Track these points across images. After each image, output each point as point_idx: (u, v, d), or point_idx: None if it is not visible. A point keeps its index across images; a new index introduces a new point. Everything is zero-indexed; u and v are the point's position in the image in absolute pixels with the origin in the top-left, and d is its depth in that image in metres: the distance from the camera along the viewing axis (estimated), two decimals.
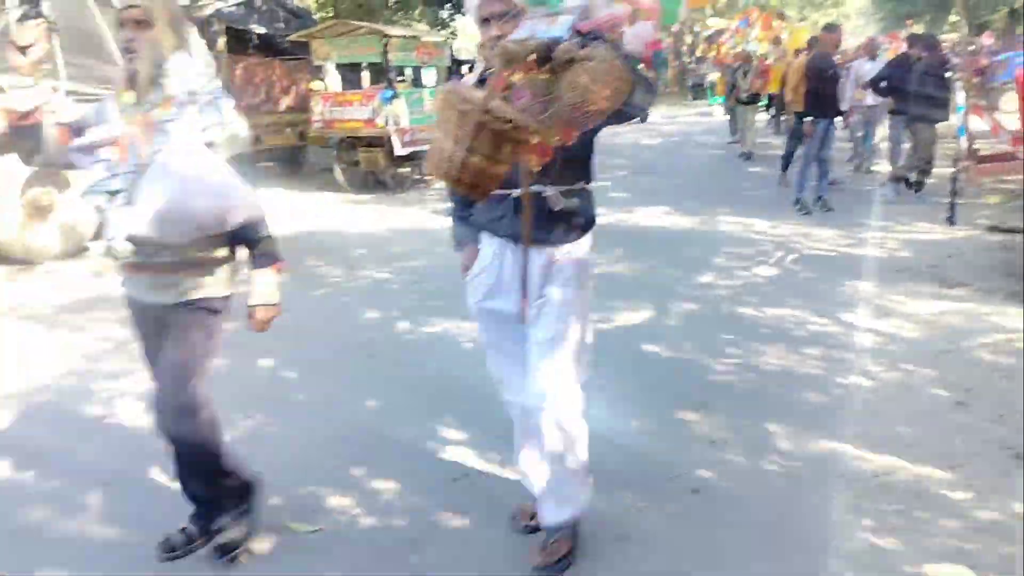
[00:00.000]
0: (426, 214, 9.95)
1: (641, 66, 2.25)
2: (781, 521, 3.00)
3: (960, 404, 3.93)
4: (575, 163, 2.55)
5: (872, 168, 11.62)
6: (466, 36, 20.09)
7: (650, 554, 2.82)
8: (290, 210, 10.25)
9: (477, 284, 2.74)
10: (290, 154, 13.20)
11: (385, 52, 10.87)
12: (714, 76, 20.98)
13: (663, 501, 3.15)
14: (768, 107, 16.46)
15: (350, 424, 3.92)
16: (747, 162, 13.42)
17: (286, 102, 12.73)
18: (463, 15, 18.44)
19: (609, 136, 18.51)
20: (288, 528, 3.01)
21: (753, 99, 13.74)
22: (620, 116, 2.22)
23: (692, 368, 4.55)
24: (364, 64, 12.34)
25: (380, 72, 11.90)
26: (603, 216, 8.74)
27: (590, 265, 2.73)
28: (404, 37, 11.58)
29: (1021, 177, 5.71)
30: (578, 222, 2.63)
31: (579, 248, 2.67)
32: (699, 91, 29.35)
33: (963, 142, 5.68)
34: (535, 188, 2.49)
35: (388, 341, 5.15)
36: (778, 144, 13.21)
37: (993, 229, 6.59)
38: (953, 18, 33.79)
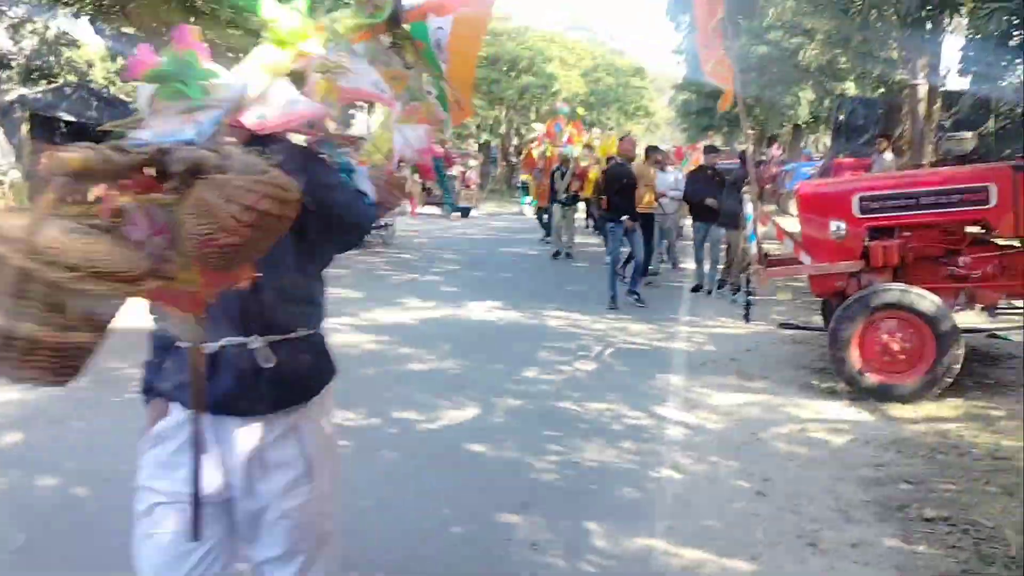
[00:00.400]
0: None
1: (417, 175, 2.10)
2: None
3: (759, 494, 4.20)
4: (294, 303, 1.97)
5: (680, 265, 12.51)
6: None
7: None
8: None
9: (150, 456, 1.95)
10: None
11: None
12: (525, 177, 21.17)
13: None
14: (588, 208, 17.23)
15: None
16: (568, 259, 14.03)
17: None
18: None
19: (441, 230, 18.82)
20: None
21: (572, 200, 14.11)
22: (342, 243, 1.90)
23: (515, 467, 4.60)
24: None
25: None
26: (433, 310, 8.86)
27: (332, 437, 2.17)
28: None
29: (806, 278, 6.31)
30: (304, 382, 2.02)
31: (307, 418, 2.02)
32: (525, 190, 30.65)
33: (753, 247, 6.25)
34: (233, 340, 1.86)
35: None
36: (596, 243, 14.02)
37: (784, 326, 7.22)
38: (750, 131, 37.60)
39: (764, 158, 33.77)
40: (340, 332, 8.13)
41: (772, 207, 20.11)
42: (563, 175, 13.82)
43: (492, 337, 8.07)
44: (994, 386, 5.84)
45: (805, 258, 6.06)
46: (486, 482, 4.40)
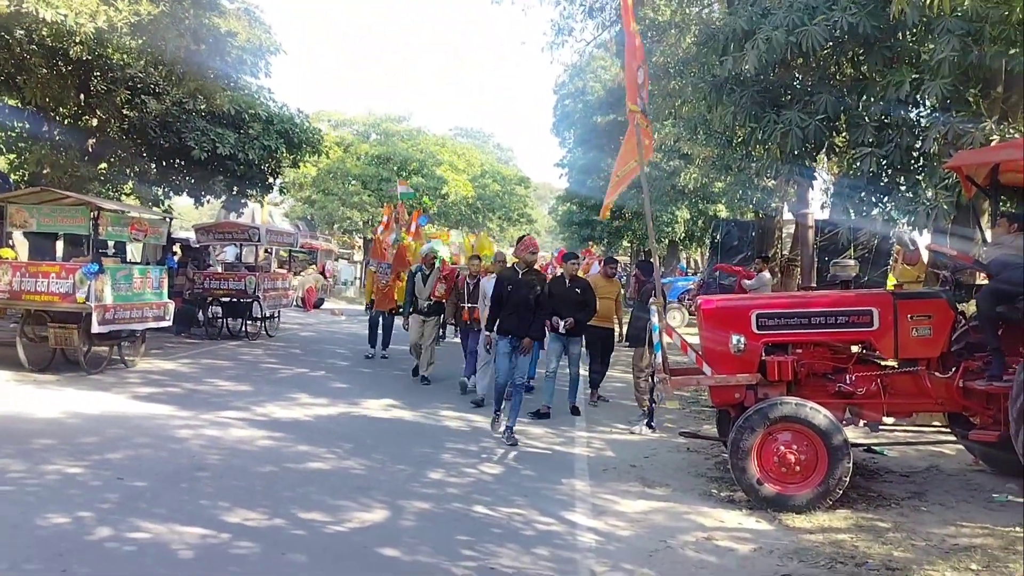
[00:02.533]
0: (124, 399, 9.04)
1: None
2: None
3: None
4: None
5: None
6: (180, 216, 19.44)
7: None
8: None
9: None
10: None
11: (95, 225, 10.17)
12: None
13: None
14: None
15: None
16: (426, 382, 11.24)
17: None
18: (179, 195, 17.92)
19: (327, 325, 18.34)
20: None
21: (436, 309, 11.15)
22: None
23: (430, 572, 4.47)
24: (59, 234, 11.40)
25: (76, 243, 11.13)
26: (328, 407, 8.65)
27: None
28: (117, 212, 10.93)
29: (707, 388, 6.58)
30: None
31: None
32: None
33: (658, 357, 6.50)
34: None
35: (86, 552, 4.46)
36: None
37: (684, 434, 7.45)
38: (625, 243, 39.39)
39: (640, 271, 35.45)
40: (233, 426, 7.79)
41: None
42: (425, 278, 11.04)
43: (392, 436, 7.90)
44: (877, 498, 6.18)
45: (707, 369, 6.34)
46: None
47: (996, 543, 5.12)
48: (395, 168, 37.80)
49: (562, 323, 8.96)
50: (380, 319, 13.43)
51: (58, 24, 8.01)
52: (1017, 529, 5.40)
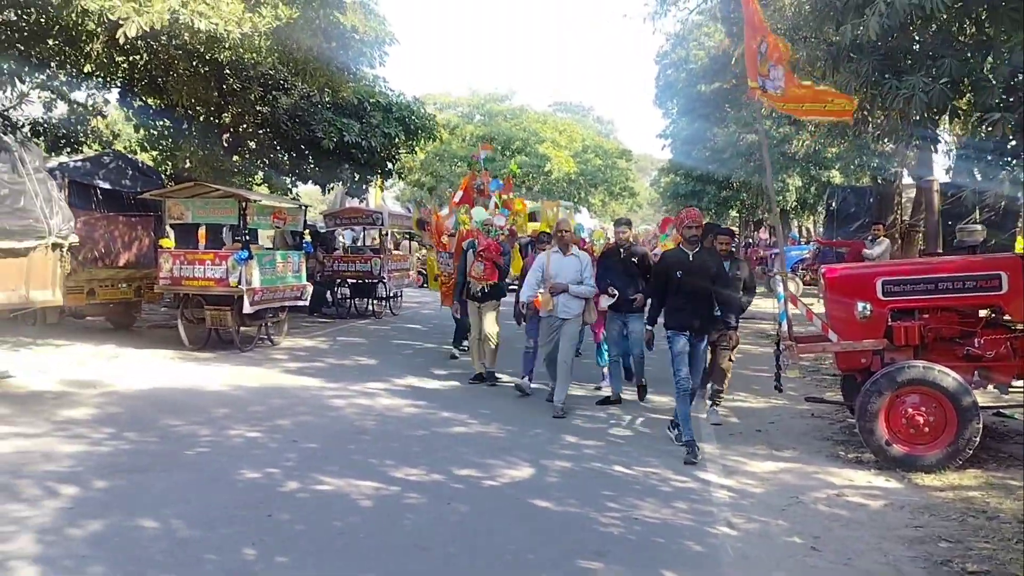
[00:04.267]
0: (277, 372, 9.92)
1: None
2: None
3: (813, 549, 4.57)
4: None
5: None
6: (312, 203, 20.58)
7: None
8: (130, 367, 9.90)
9: None
10: (123, 309, 12.75)
11: (243, 215, 11.10)
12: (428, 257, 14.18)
13: None
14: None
15: None
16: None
17: (126, 257, 12.46)
18: (306, 183, 19.01)
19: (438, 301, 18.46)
20: None
21: (488, 294, 9.26)
22: None
23: (581, 521, 4.94)
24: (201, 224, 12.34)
25: (217, 232, 12.20)
26: (461, 378, 9.06)
27: None
28: (263, 204, 11.85)
29: (831, 355, 6.77)
30: None
31: None
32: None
33: (784, 326, 6.73)
34: None
35: (282, 501, 5.15)
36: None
37: (810, 399, 7.67)
38: (733, 213, 38.78)
39: (751, 241, 34.91)
40: (379, 396, 8.49)
41: (762, 289, 20.73)
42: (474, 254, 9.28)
43: (523, 404, 8.39)
44: (1008, 459, 6.27)
45: (832, 335, 6.54)
46: (558, 533, 4.73)
47: None
48: (499, 148, 38.41)
49: (604, 298, 8.08)
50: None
51: (210, 32, 8.77)
52: None
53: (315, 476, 5.60)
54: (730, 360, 7.74)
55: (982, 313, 6.51)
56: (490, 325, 9.29)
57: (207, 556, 4.22)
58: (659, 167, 49.48)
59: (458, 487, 5.51)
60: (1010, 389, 6.47)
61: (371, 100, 16.21)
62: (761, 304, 11.02)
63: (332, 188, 19.18)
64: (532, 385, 8.82)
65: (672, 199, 42.54)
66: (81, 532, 4.47)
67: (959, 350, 6.37)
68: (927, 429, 5.96)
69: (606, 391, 8.71)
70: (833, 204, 19.40)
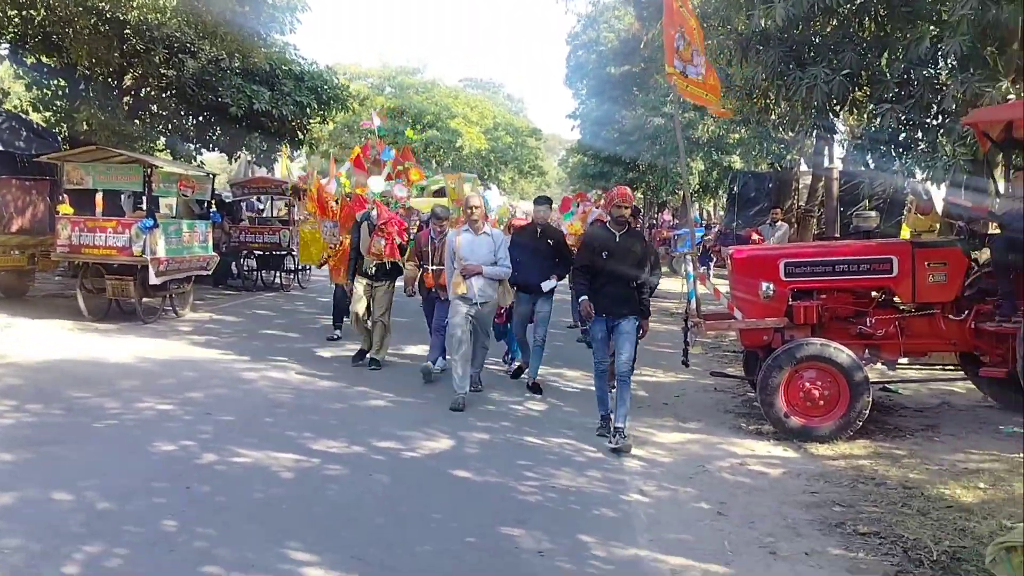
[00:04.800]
0: (184, 345, 9.67)
1: None
2: None
3: (719, 514, 4.85)
4: None
5: None
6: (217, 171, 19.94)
7: None
8: (26, 338, 9.47)
9: None
10: (15, 278, 12.11)
11: (148, 182, 10.69)
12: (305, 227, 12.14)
13: None
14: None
15: (202, 555, 3.90)
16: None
17: (19, 223, 11.83)
18: (211, 151, 18.39)
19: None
20: None
21: (384, 272, 8.64)
22: None
23: (501, 490, 5.09)
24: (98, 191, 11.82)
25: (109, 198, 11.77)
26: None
27: None
28: (168, 171, 11.43)
29: (735, 332, 7.12)
30: None
31: None
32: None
33: (692, 303, 7.03)
34: None
35: (201, 473, 5.09)
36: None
37: (715, 374, 8.04)
38: (639, 195, 39.65)
39: (655, 223, 35.78)
40: (292, 369, 8.42)
41: (666, 269, 21.35)
42: (371, 229, 8.49)
43: (440, 378, 8.45)
44: (894, 431, 6.75)
45: (738, 313, 6.88)
46: (479, 502, 4.87)
47: (1002, 467, 5.69)
48: (410, 121, 38.01)
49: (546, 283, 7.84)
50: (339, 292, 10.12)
51: None
52: (1022, 456, 5.97)
53: (233, 449, 5.55)
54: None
55: (874, 295, 6.98)
56: (384, 309, 8.64)
57: (126, 528, 4.16)
58: (568, 147, 50.01)
59: (379, 459, 5.57)
60: (896, 366, 6.97)
61: (283, 67, 15.80)
62: (664, 284, 11.42)
63: (239, 157, 18.63)
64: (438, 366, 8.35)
65: (580, 179, 43.12)
66: None
67: (852, 329, 6.81)
68: (822, 402, 6.36)
69: (517, 362, 8.72)
70: (735, 188, 20.12)
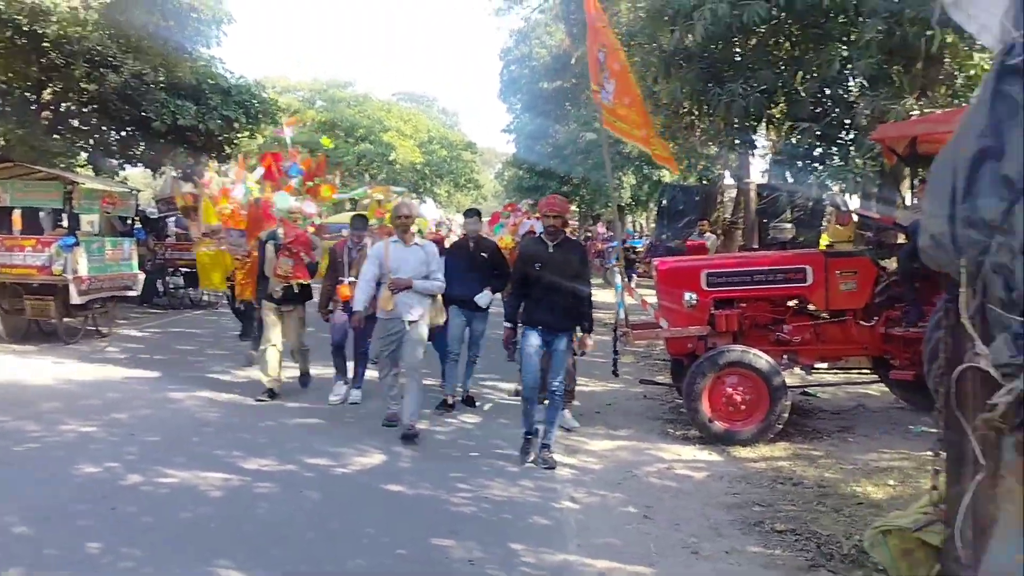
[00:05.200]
0: (109, 365, 9.43)
1: None
2: None
3: (646, 517, 4.99)
4: None
5: None
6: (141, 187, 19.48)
7: None
8: None
9: None
10: None
11: (69, 199, 10.43)
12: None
13: None
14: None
15: None
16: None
17: None
18: (135, 166, 17.98)
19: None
20: None
21: (293, 295, 7.82)
22: None
23: (434, 502, 5.14)
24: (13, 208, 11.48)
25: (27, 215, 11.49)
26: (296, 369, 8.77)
27: None
28: (90, 187, 11.16)
29: (663, 341, 7.33)
30: None
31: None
32: None
33: (621, 313, 7.22)
34: None
35: (126, 494, 5.01)
36: None
37: (644, 382, 8.24)
38: (573, 208, 40.15)
39: (590, 235, 36.28)
40: (220, 387, 8.31)
41: (599, 281, 21.69)
42: (276, 248, 7.74)
43: (374, 394, 8.43)
44: (812, 432, 7.04)
45: (663, 323, 7.09)
46: (412, 516, 4.91)
47: (911, 465, 5.99)
48: (342, 135, 37.77)
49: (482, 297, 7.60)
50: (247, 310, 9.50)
51: (35, 4, 8.21)
52: (928, 453, 6.29)
53: (159, 469, 5.47)
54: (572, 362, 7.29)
55: (791, 303, 7.27)
56: (297, 335, 8.00)
57: (47, 551, 4.08)
58: (504, 160, 50.32)
59: (310, 475, 5.57)
60: (813, 370, 7.27)
61: (210, 81, 15.56)
62: (597, 295, 11.61)
63: (163, 172, 18.24)
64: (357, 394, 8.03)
65: (516, 192, 43.46)
66: None
67: (771, 336, 7.09)
68: (744, 407, 6.60)
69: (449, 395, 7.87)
70: (664, 201, 20.62)
